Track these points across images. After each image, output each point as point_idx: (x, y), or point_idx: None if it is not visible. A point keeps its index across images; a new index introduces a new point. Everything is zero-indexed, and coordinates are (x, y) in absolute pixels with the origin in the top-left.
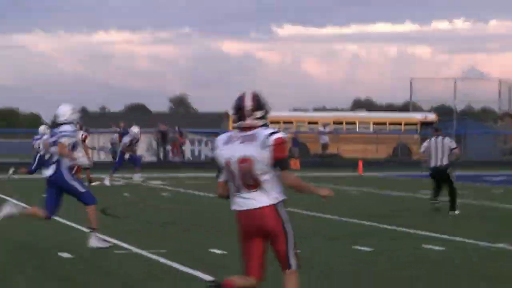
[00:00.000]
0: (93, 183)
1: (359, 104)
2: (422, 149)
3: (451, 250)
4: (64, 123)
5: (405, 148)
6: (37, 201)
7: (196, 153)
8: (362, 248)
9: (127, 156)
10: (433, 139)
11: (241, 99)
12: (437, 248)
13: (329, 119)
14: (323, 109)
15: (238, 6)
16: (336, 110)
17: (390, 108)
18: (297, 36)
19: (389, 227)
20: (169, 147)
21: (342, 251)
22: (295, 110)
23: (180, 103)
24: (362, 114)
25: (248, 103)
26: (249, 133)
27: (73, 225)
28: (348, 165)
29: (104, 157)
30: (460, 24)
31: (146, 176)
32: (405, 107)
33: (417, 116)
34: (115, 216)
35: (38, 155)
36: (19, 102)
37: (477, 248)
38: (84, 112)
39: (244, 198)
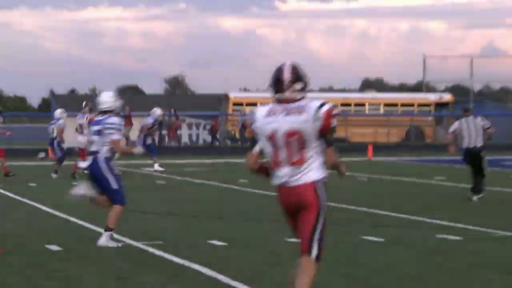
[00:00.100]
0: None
1: (369, 84)
2: (451, 129)
3: (467, 239)
4: (107, 111)
5: (418, 132)
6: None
7: (194, 137)
8: (372, 238)
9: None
10: (463, 120)
11: (279, 71)
12: (452, 237)
13: (336, 101)
14: (330, 90)
15: None
16: (344, 90)
17: (402, 88)
18: (302, 11)
19: (400, 215)
20: (164, 132)
21: (351, 242)
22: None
23: (176, 84)
24: (372, 95)
25: (287, 75)
26: (294, 105)
27: (61, 215)
28: (357, 150)
29: None
30: None
31: (140, 163)
32: (418, 87)
33: (431, 97)
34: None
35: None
36: (2, 83)
37: (494, 238)
38: (72, 94)
39: (286, 173)
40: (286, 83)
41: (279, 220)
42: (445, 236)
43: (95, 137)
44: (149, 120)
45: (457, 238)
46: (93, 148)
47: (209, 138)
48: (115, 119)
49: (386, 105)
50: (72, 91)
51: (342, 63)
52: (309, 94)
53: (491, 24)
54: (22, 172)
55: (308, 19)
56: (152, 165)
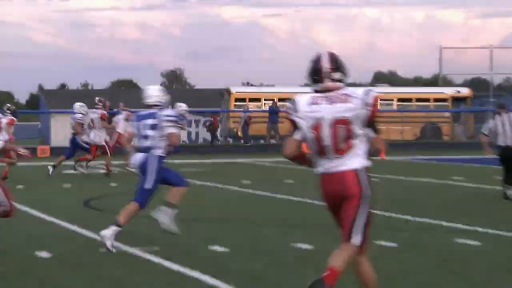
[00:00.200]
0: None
1: (381, 78)
2: (486, 128)
3: (486, 244)
4: (157, 105)
5: (435, 128)
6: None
7: (193, 136)
8: (386, 243)
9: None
10: (497, 117)
11: (317, 61)
12: (470, 242)
13: None
14: None
15: None
16: (355, 85)
17: (416, 82)
18: (308, 0)
19: (415, 218)
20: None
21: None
22: (307, 85)
23: (174, 78)
24: (384, 90)
25: (326, 64)
26: (336, 93)
27: (51, 219)
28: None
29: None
30: None
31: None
32: (433, 81)
33: (448, 91)
34: (99, 209)
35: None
36: None
37: None
38: (63, 89)
39: (330, 161)
40: (325, 72)
41: (285, 224)
42: (463, 241)
43: (150, 132)
44: None
45: (476, 243)
46: (147, 143)
47: (209, 136)
48: (172, 112)
49: (399, 100)
50: (63, 86)
51: (352, 55)
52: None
53: None
54: (9, 173)
55: (316, 7)
56: None
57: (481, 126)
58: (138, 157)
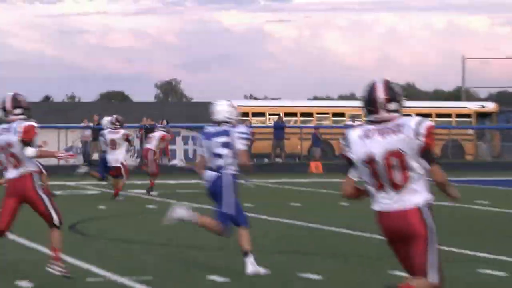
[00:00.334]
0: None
1: None
2: None
3: None
4: (227, 122)
5: (457, 147)
6: None
7: (190, 154)
8: (402, 273)
9: None
10: None
11: (371, 90)
12: (496, 273)
13: (359, 111)
14: (351, 97)
15: None
16: None
17: (437, 95)
18: (318, 4)
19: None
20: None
21: (377, 277)
22: (316, 98)
23: (169, 90)
24: None
25: (381, 95)
26: (389, 124)
27: (34, 245)
28: None
29: (73, 160)
30: None
31: (126, 183)
32: (456, 95)
33: (472, 106)
34: (85, 234)
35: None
36: None
37: None
38: (47, 102)
39: (388, 197)
40: (380, 103)
41: (289, 251)
42: (487, 271)
43: (222, 150)
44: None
45: (502, 273)
46: (219, 162)
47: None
48: (244, 128)
49: (418, 115)
50: (47, 99)
51: (365, 66)
52: (327, 103)
53: None
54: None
55: (325, 13)
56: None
57: (508, 145)
58: (210, 177)
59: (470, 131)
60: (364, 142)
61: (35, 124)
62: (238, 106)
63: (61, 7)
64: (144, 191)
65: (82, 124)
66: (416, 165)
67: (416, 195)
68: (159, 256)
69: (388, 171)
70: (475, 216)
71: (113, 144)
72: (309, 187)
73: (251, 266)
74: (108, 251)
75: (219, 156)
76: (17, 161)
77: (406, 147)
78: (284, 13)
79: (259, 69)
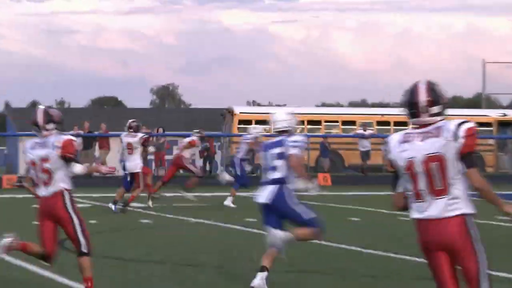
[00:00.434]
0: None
1: None
2: None
3: None
4: (285, 131)
5: (477, 158)
6: None
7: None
8: None
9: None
10: None
11: (413, 93)
12: None
13: (371, 118)
14: (363, 104)
15: None
16: (381, 105)
17: (455, 102)
18: (326, 3)
19: None
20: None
21: None
22: (324, 105)
23: (166, 95)
24: None
25: (423, 98)
26: (430, 127)
27: (18, 262)
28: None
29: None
30: None
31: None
32: (475, 102)
33: (493, 114)
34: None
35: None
36: None
37: None
38: (34, 108)
39: (427, 205)
40: (422, 107)
41: (296, 269)
42: None
43: (277, 162)
44: (245, 146)
45: None
46: (276, 175)
47: (207, 165)
48: (299, 137)
49: None
50: (34, 104)
51: (377, 70)
52: (336, 111)
53: None
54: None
55: (334, 13)
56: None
57: None
58: (266, 191)
59: (491, 141)
60: (403, 147)
61: (74, 138)
62: (240, 113)
63: (49, 5)
64: (139, 204)
65: (72, 132)
66: (457, 169)
67: (459, 203)
68: (154, 275)
69: (427, 177)
70: (495, 232)
71: (130, 148)
72: (317, 201)
73: (260, 281)
74: (99, 270)
75: (274, 168)
76: (50, 178)
77: (446, 150)
78: (290, 13)
79: (263, 73)
